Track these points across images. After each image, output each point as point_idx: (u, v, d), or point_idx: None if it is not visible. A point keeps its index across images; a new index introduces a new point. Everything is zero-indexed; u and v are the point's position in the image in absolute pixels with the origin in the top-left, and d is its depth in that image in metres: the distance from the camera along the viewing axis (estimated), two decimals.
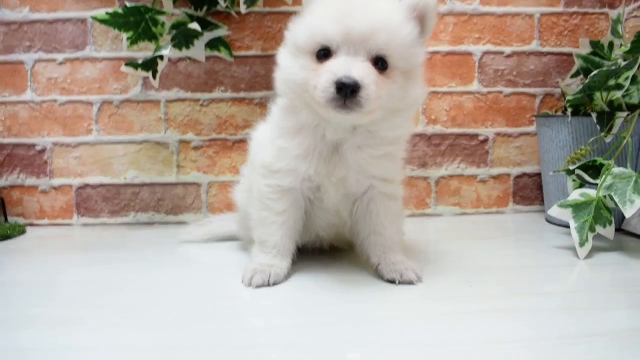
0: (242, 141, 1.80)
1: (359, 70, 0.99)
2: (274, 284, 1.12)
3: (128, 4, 1.50)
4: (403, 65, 1.06)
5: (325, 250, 1.37)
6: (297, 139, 1.13)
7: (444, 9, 1.87)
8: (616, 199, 1.33)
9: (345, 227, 1.26)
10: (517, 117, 1.93)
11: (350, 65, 0.99)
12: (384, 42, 1.02)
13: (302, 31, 1.07)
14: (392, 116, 1.09)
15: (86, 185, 1.83)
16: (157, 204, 1.85)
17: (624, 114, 1.51)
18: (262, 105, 1.82)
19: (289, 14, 1.78)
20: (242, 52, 1.82)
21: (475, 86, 1.91)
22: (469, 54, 1.90)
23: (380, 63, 1.03)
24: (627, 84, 1.49)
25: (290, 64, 1.10)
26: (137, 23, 1.53)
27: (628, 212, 1.29)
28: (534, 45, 1.92)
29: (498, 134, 1.93)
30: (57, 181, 1.83)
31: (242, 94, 1.84)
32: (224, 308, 1.02)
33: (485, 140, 1.93)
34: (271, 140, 1.17)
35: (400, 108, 1.09)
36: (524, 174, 1.95)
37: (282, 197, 1.16)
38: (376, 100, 1.01)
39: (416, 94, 1.11)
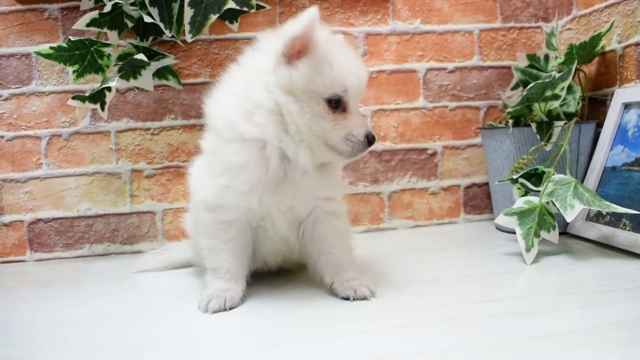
0: None
1: None
2: (231, 308, 1.13)
3: (72, 38, 1.49)
4: None
5: (278, 271, 1.38)
6: (242, 175, 1.11)
7: (386, 29, 1.92)
8: (558, 205, 1.38)
9: (293, 252, 1.27)
10: (463, 130, 1.99)
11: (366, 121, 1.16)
12: None
13: (317, 78, 1.07)
14: None
15: (38, 220, 1.80)
16: (112, 234, 1.83)
17: (562, 122, 1.57)
18: None
19: (235, 41, 1.83)
20: (191, 80, 1.84)
21: (421, 102, 1.96)
22: (414, 71, 1.95)
23: None
24: (563, 94, 1.55)
25: (298, 108, 1.08)
26: (82, 56, 1.51)
27: (569, 217, 1.35)
28: (475, 60, 1.98)
29: (446, 147, 1.98)
30: (7, 218, 1.80)
31: (192, 121, 1.85)
32: (182, 336, 1.02)
33: (434, 154, 1.98)
34: (211, 178, 1.16)
35: None
36: (473, 184, 2.01)
37: (229, 226, 1.17)
38: None
39: None
